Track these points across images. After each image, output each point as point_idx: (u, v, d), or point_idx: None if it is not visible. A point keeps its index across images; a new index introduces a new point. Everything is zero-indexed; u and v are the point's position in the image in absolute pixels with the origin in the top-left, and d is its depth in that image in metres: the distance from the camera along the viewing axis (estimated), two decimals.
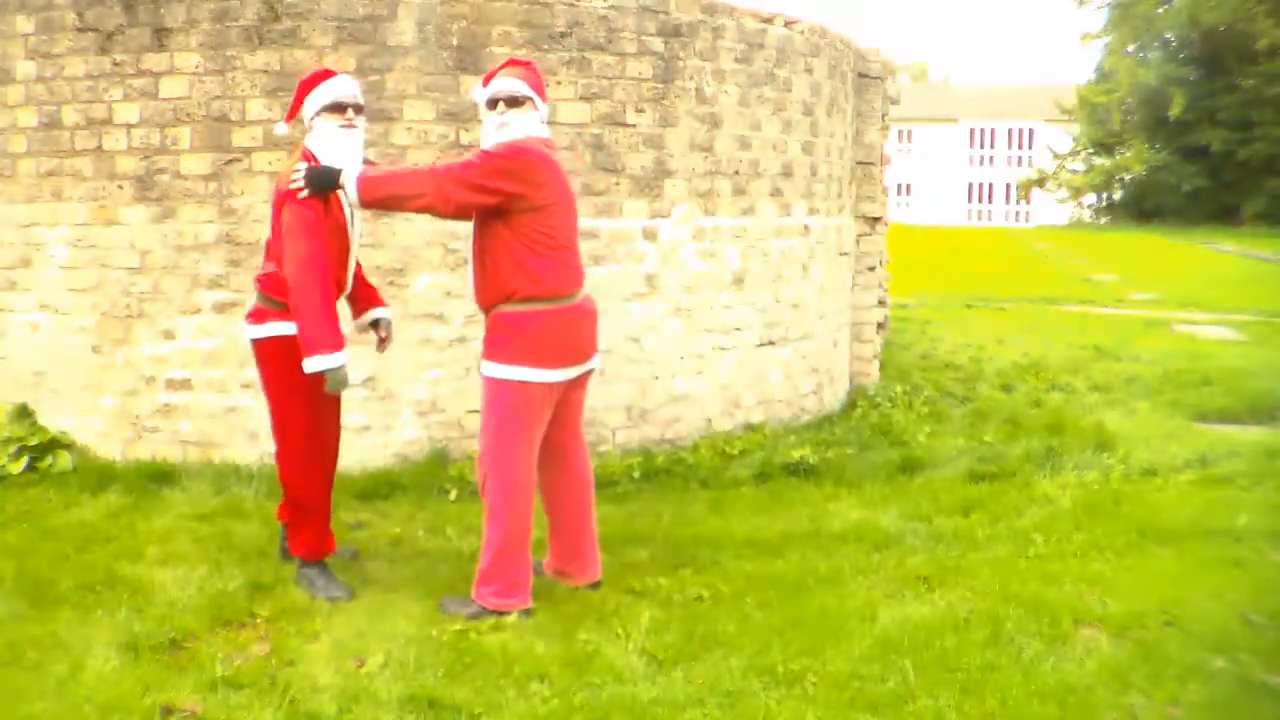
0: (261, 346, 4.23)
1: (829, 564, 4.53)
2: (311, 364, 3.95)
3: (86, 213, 5.93)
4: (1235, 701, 3.40)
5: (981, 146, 52.90)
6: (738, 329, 6.64)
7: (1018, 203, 50.89)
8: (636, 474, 5.84)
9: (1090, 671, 3.52)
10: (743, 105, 6.55)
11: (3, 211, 6.16)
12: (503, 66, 4.11)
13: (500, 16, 5.80)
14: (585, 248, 5.47)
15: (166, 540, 4.72)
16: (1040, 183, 46.86)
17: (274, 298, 4.16)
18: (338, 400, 4.35)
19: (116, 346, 5.93)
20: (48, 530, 4.86)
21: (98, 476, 5.55)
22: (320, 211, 4.00)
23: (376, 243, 5.71)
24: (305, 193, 3.97)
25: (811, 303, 7.19)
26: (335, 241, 4.10)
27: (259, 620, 3.91)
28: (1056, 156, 46.22)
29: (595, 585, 4.28)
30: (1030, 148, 50.98)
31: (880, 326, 8.58)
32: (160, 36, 5.74)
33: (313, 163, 4.06)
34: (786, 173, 6.88)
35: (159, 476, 5.57)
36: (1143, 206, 43.04)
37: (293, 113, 4.21)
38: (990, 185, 52.71)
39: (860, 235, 8.19)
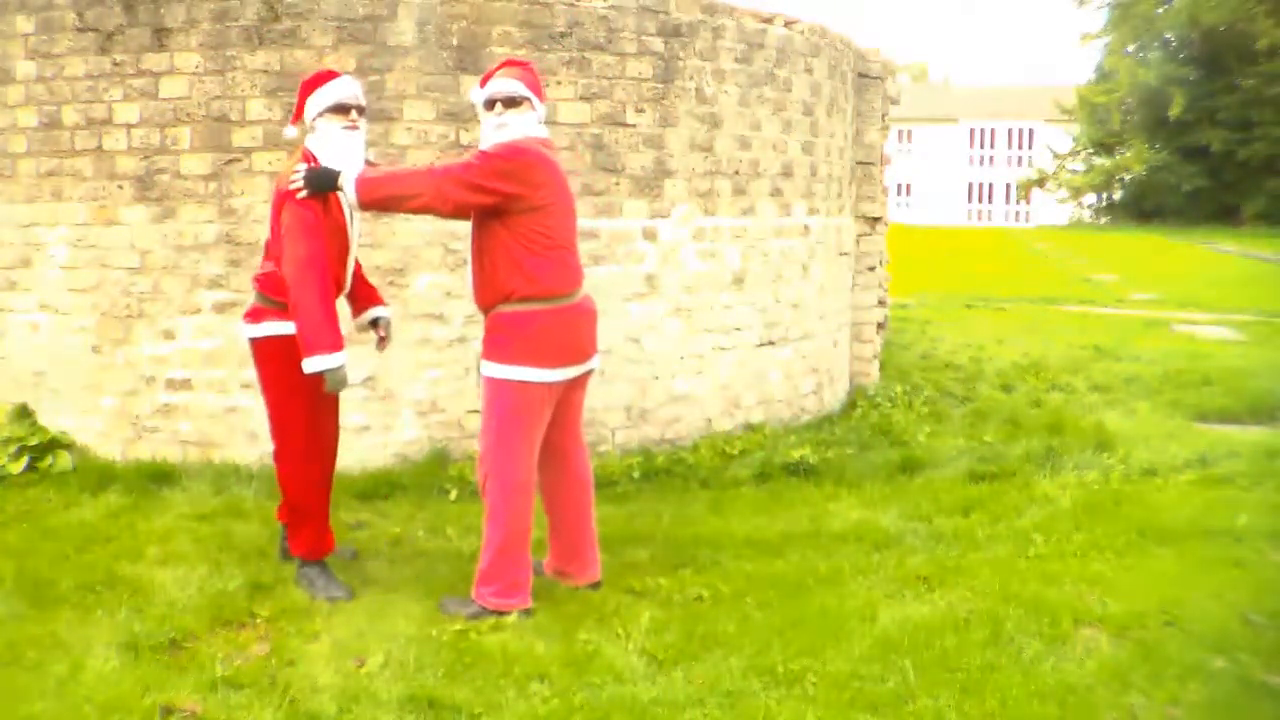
0: (259, 346, 4.23)
1: (829, 564, 4.53)
2: (311, 364, 3.95)
3: (86, 213, 5.93)
4: (1235, 701, 3.40)
5: (981, 146, 52.90)
6: (738, 329, 6.64)
7: (1018, 203, 50.89)
8: (636, 474, 5.84)
9: (1090, 671, 3.52)
10: (743, 105, 6.55)
11: (3, 211, 6.16)
12: (500, 67, 4.11)
13: (500, 16, 5.80)
14: (585, 248, 5.48)
15: (166, 540, 4.72)
16: (1040, 183, 46.86)
17: (271, 297, 4.17)
18: (336, 400, 4.35)
19: (116, 346, 5.93)
20: (48, 530, 4.86)
21: (98, 476, 5.55)
22: (319, 212, 4.01)
23: (376, 243, 5.71)
24: (304, 193, 3.98)
25: (811, 303, 7.19)
26: (334, 242, 4.11)
27: (259, 620, 3.91)
28: (1056, 156, 46.23)
29: (595, 585, 4.28)
30: (1030, 148, 50.97)
31: (880, 326, 8.58)
32: (160, 36, 5.74)
33: (312, 163, 4.07)
34: (786, 173, 6.88)
35: (159, 476, 5.57)
36: (1143, 206, 43.04)
37: (298, 114, 4.21)
38: (990, 185, 52.71)
39: (860, 235, 8.19)
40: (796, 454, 6.14)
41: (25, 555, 4.50)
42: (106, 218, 5.90)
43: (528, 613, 3.98)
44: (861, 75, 8.00)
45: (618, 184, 6.12)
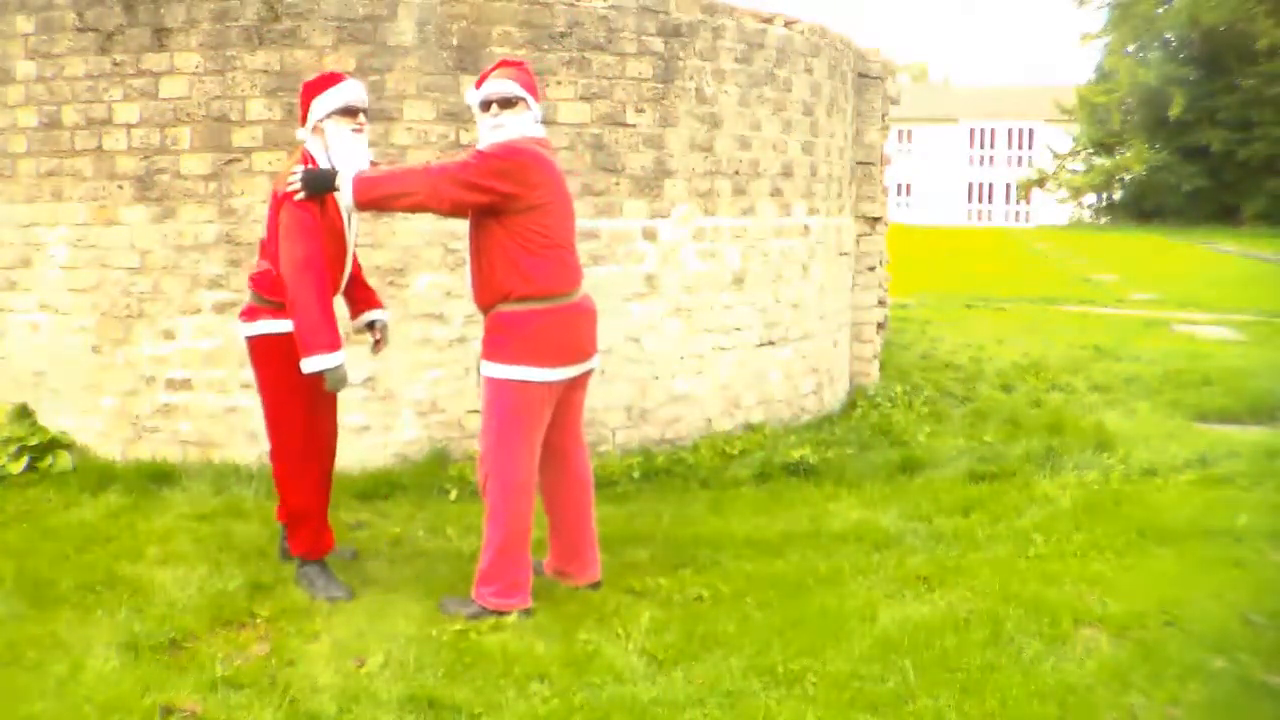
0: (255, 344, 4.24)
1: (829, 564, 4.53)
2: (310, 364, 3.96)
3: (86, 213, 5.93)
4: (1235, 701, 3.39)
5: (981, 146, 52.90)
6: (738, 329, 6.64)
7: (1018, 203, 50.89)
8: (636, 474, 5.84)
9: (1090, 671, 3.52)
10: (743, 105, 6.55)
11: (3, 211, 6.16)
12: (495, 68, 4.11)
13: (500, 16, 5.80)
14: (585, 248, 5.48)
15: (166, 540, 4.72)
16: (1040, 183, 46.86)
17: (266, 296, 4.19)
18: (334, 399, 4.35)
19: (116, 346, 5.93)
20: (48, 530, 4.86)
21: (98, 476, 5.56)
22: (316, 213, 4.03)
23: (376, 243, 5.71)
24: (302, 195, 3.99)
25: (811, 303, 7.19)
26: (331, 243, 4.12)
27: (259, 620, 3.91)
28: (1056, 156, 46.23)
29: (595, 585, 4.28)
30: (1030, 148, 50.98)
31: (880, 326, 8.58)
32: (160, 36, 5.74)
33: (310, 165, 4.08)
34: (786, 173, 6.88)
35: (159, 476, 5.57)
36: (1143, 206, 43.04)
37: (305, 116, 4.22)
38: (990, 185, 52.70)
39: (860, 235, 8.19)
40: (796, 454, 6.14)
41: (25, 555, 4.50)
42: (106, 218, 5.90)
43: (528, 613, 3.98)
44: (861, 75, 8.00)
45: (618, 184, 6.12)
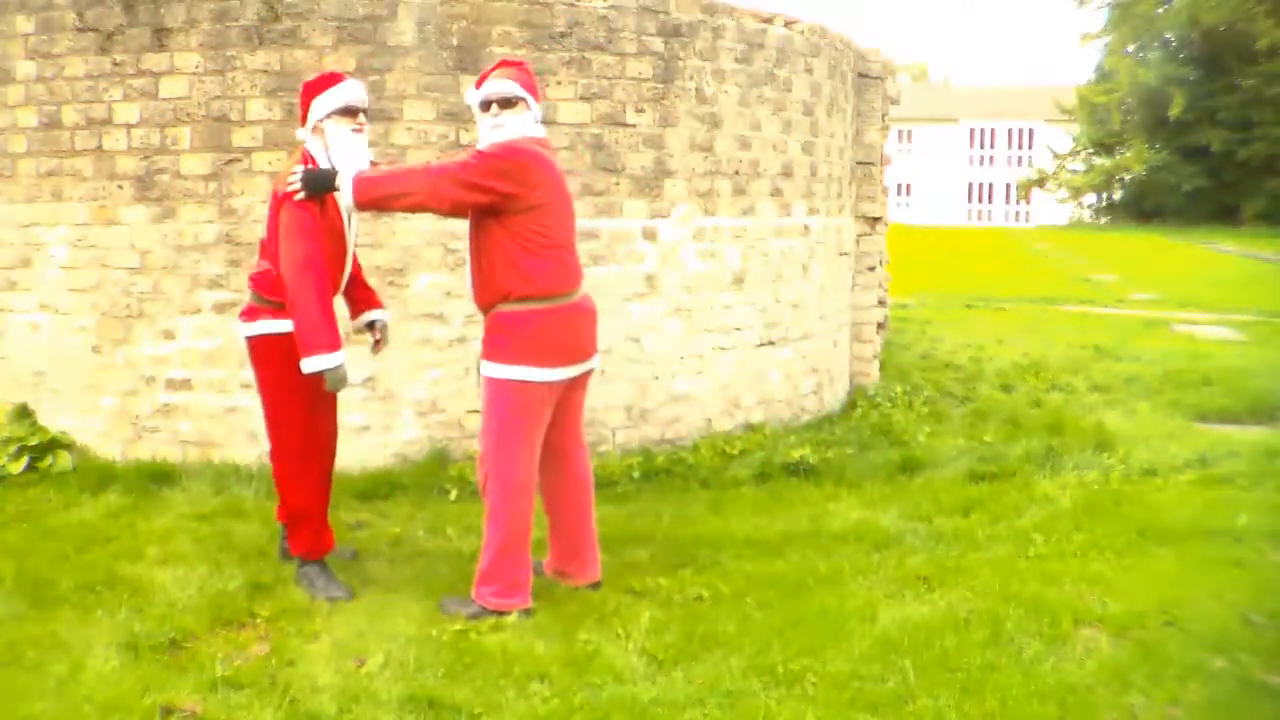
0: (254, 344, 4.25)
1: (829, 564, 4.53)
2: (310, 364, 3.96)
3: (86, 213, 5.93)
4: (1235, 701, 3.39)
5: (981, 146, 52.90)
6: (738, 329, 6.64)
7: (1018, 203, 50.88)
8: (636, 474, 5.84)
9: (1090, 671, 3.52)
10: (743, 105, 6.55)
11: (3, 211, 6.16)
12: (495, 68, 4.11)
13: (500, 16, 5.80)
14: (585, 248, 5.48)
15: (166, 540, 4.72)
16: (1040, 183, 46.86)
17: (265, 296, 4.19)
18: (334, 399, 4.36)
19: (116, 346, 5.93)
20: (48, 530, 4.86)
21: (98, 476, 5.55)
22: (316, 213, 4.04)
23: (376, 243, 5.71)
24: (302, 195, 3.99)
25: (811, 303, 7.19)
26: (331, 243, 4.12)
27: (259, 620, 3.91)
28: (1056, 156, 46.23)
29: (595, 585, 4.28)
30: (1030, 148, 50.98)
31: (880, 326, 8.58)
32: (160, 36, 5.74)
33: (310, 165, 4.09)
34: (786, 173, 6.88)
35: (159, 476, 5.57)
36: (1143, 206, 43.04)
37: (305, 116, 4.22)
38: (990, 185, 52.70)
39: (860, 235, 8.19)
40: (796, 454, 6.14)
41: (25, 555, 4.50)
42: (106, 218, 5.90)
43: (528, 613, 3.98)
44: (861, 75, 8.00)
45: (618, 184, 6.12)
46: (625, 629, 3.82)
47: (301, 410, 4.19)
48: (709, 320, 6.49)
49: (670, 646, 3.69)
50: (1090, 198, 46.90)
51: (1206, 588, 4.27)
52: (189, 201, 5.78)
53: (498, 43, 5.79)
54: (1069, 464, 6.17)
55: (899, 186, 49.58)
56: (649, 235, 6.23)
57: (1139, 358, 10.03)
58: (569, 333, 4.00)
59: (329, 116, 4.13)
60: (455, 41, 5.76)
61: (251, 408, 5.61)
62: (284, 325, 4.08)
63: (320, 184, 4.01)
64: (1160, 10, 39.48)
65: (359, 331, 4.66)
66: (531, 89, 4.06)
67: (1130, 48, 42.23)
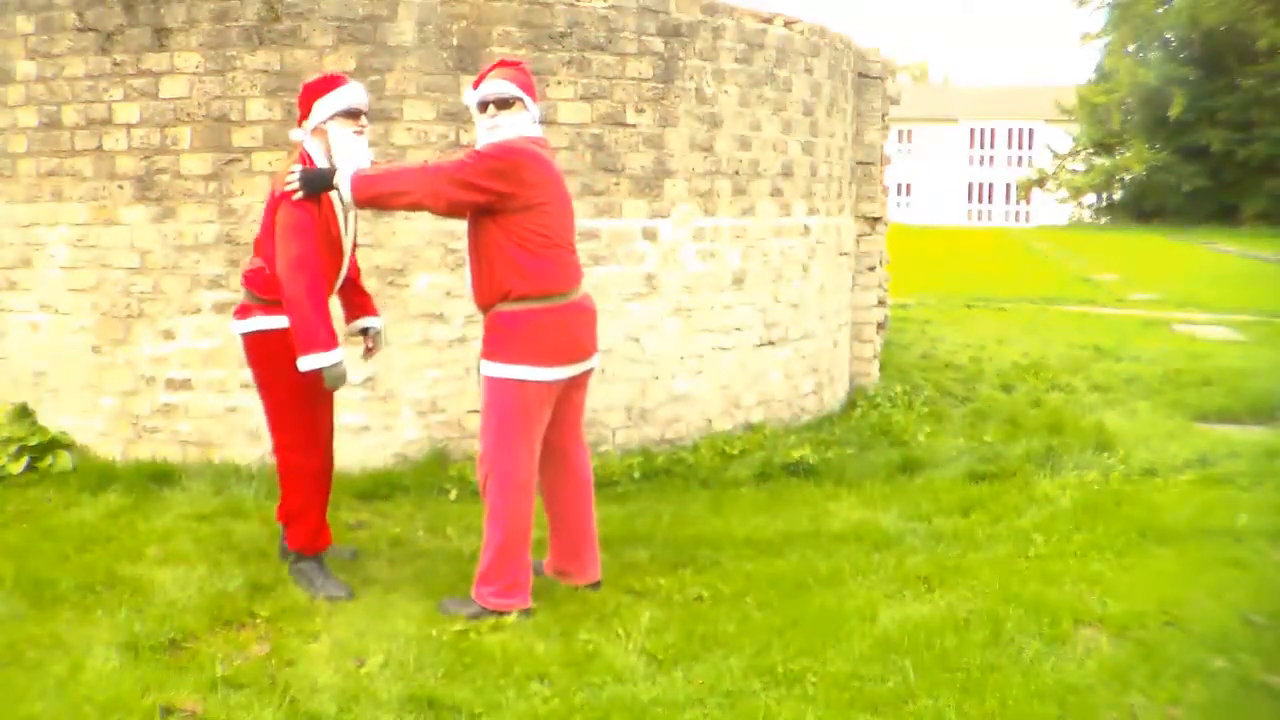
0: (249, 341, 4.27)
1: (829, 564, 4.53)
2: (306, 363, 3.98)
3: (86, 213, 5.93)
4: (1235, 701, 3.40)
5: (981, 146, 52.89)
6: (738, 329, 6.64)
7: (1018, 203, 50.88)
8: (636, 474, 5.85)
9: (1090, 671, 3.52)
10: (743, 105, 6.55)
11: (3, 211, 6.16)
12: (492, 68, 4.12)
13: (500, 16, 5.80)
14: (585, 248, 5.48)
15: (166, 540, 4.72)
16: (1040, 183, 46.86)
17: (258, 294, 4.21)
18: (331, 393, 4.36)
19: (116, 346, 5.93)
20: (48, 530, 4.86)
21: (98, 476, 5.55)
22: (313, 213, 4.05)
23: (376, 243, 5.71)
24: (300, 194, 4.00)
25: (811, 303, 7.19)
26: (327, 243, 4.14)
27: (259, 620, 3.91)
28: (1056, 156, 46.22)
29: (595, 585, 4.28)
30: (1030, 148, 50.97)
31: (880, 326, 8.58)
32: (160, 36, 5.74)
33: (308, 165, 4.10)
34: (786, 173, 6.88)
35: (159, 476, 5.57)
36: (1143, 206, 43.03)
37: (304, 117, 4.23)
38: (990, 185, 52.70)
39: (860, 235, 8.19)
40: (796, 454, 6.14)
41: (25, 555, 4.50)
42: (106, 218, 5.90)
43: (528, 613, 3.98)
44: (861, 75, 8.00)
45: (618, 184, 6.12)
46: (625, 629, 3.82)
47: (300, 405, 4.20)
48: (709, 320, 6.49)
49: (670, 646, 3.69)
50: (1090, 198, 46.90)
51: (1206, 588, 4.27)
52: (189, 201, 5.78)
53: (498, 43, 5.79)
54: (1069, 464, 6.17)
55: (899, 186, 49.57)
56: (649, 235, 6.23)
57: (1139, 358, 10.03)
58: (568, 332, 4.00)
59: (331, 118, 4.14)
60: (455, 41, 5.76)
61: (252, 407, 5.61)
62: (278, 321, 4.10)
63: (318, 183, 4.02)
64: (1160, 10, 39.48)
65: (352, 335, 4.66)
66: (529, 89, 4.06)
67: (1130, 48, 42.21)
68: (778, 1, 7.73)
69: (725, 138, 6.48)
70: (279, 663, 3.57)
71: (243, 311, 4.28)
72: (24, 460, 5.68)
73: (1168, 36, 42.17)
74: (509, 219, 3.89)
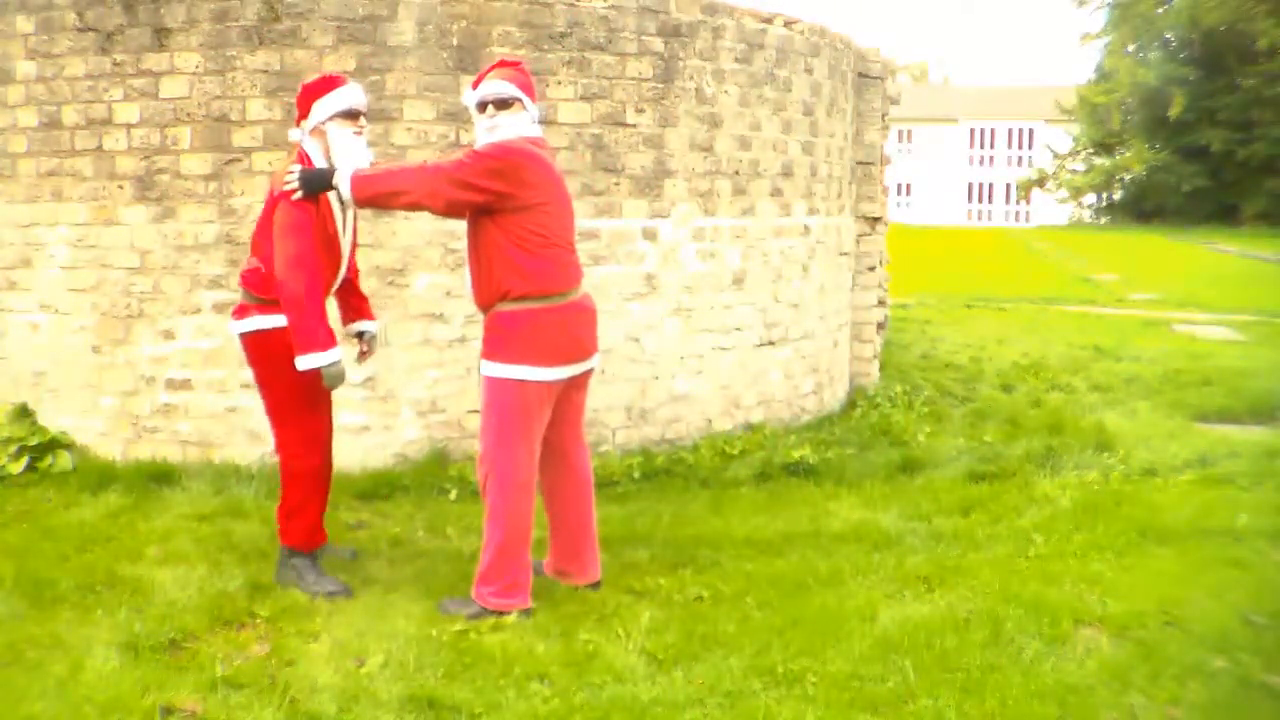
0: (247, 341, 4.28)
1: (829, 564, 4.53)
2: (304, 362, 3.99)
3: (86, 213, 5.93)
4: (1235, 701, 3.40)
5: (981, 146, 52.89)
6: (738, 329, 6.64)
7: (1018, 203, 50.87)
8: (636, 474, 5.85)
9: (1090, 671, 3.52)
10: (743, 105, 6.55)
11: (3, 211, 6.16)
12: (491, 69, 4.12)
13: (500, 16, 5.80)
14: (585, 248, 5.48)
15: (166, 540, 4.72)
16: (1040, 183, 46.86)
17: (255, 293, 4.22)
18: (329, 391, 4.37)
19: (116, 346, 5.93)
20: (48, 530, 4.86)
21: (98, 476, 5.55)
22: (312, 212, 4.06)
23: (376, 243, 5.71)
24: (299, 194, 4.00)
25: (811, 303, 7.19)
26: (325, 243, 4.14)
27: (259, 620, 3.91)
28: (1056, 156, 46.22)
29: (595, 585, 4.28)
30: (1030, 148, 50.97)
31: (880, 326, 8.58)
32: (160, 36, 5.74)
33: (307, 165, 4.11)
34: (786, 173, 6.88)
35: (159, 476, 5.57)
36: (1143, 206, 43.03)
37: (302, 117, 4.23)
38: (990, 185, 52.70)
39: (860, 235, 8.19)
40: (796, 454, 6.14)
41: (25, 555, 4.50)
42: (106, 218, 5.90)
43: (528, 613, 3.98)
44: (861, 75, 8.00)
45: (618, 184, 6.12)
46: (625, 629, 3.82)
47: (300, 403, 4.21)
48: (709, 320, 6.49)
49: (670, 646, 3.69)
50: (1090, 198, 46.90)
51: (1206, 588, 4.27)
52: (189, 201, 5.78)
53: (498, 43, 5.79)
54: (1069, 464, 6.17)
55: (899, 186, 49.58)
56: (649, 235, 6.23)
57: (1139, 358, 10.03)
58: (568, 332, 4.00)
59: (330, 119, 4.15)
60: (455, 41, 5.76)
61: (252, 407, 5.61)
62: (276, 321, 4.11)
63: (317, 183, 4.03)
64: (1160, 10, 39.46)
65: (348, 338, 4.66)
66: (528, 89, 4.06)
67: (1130, 48, 42.19)
68: (778, 1, 7.74)
69: (725, 138, 6.48)
70: (279, 663, 3.57)
71: (240, 312, 4.29)
72: (24, 460, 5.68)
73: (1168, 36, 42.16)
74: (508, 219, 3.90)
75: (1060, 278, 19.62)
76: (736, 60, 6.50)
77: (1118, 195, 45.78)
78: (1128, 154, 42.31)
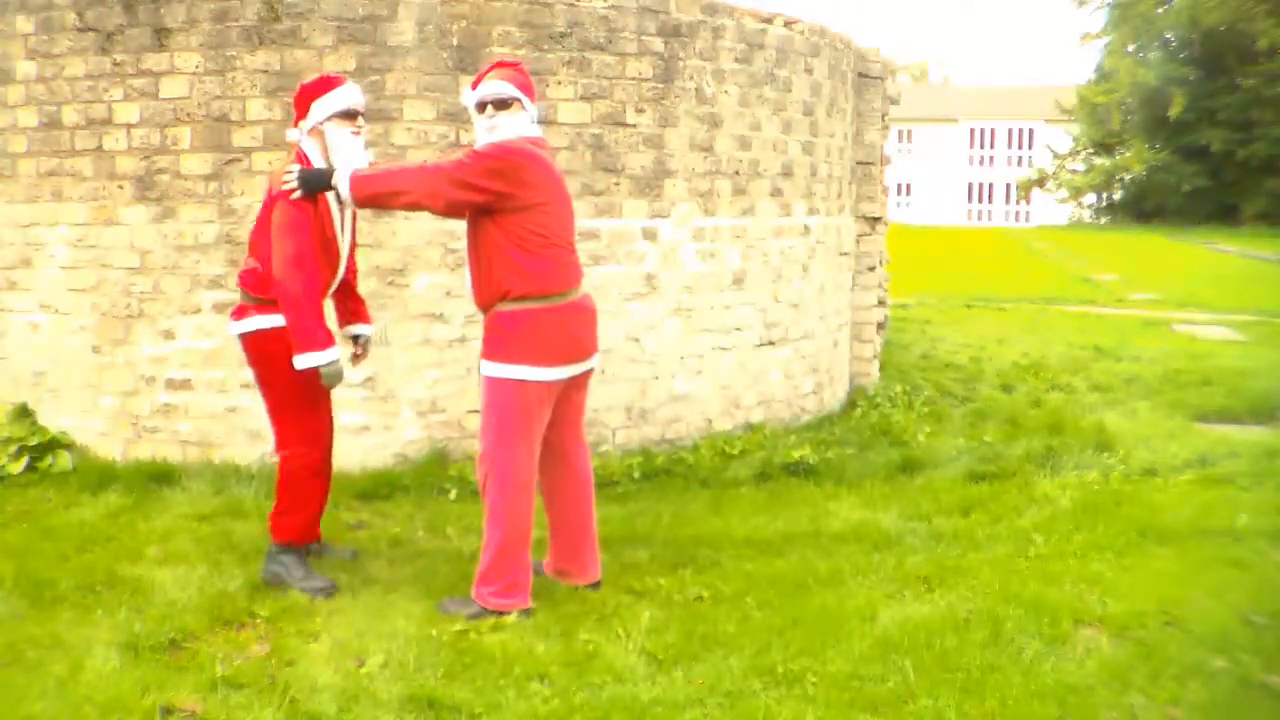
0: (246, 341, 4.28)
1: (829, 564, 4.53)
2: (302, 361, 4.00)
3: (86, 213, 5.93)
4: (1235, 701, 3.40)
5: (981, 146, 52.89)
6: (738, 329, 6.64)
7: (1018, 203, 50.87)
8: (636, 474, 5.85)
9: (1090, 671, 3.52)
10: (743, 105, 6.55)
11: (3, 211, 6.16)
12: (490, 69, 4.12)
13: (500, 16, 5.80)
14: (585, 248, 5.48)
15: (166, 540, 4.72)
16: (1040, 183, 46.85)
17: (253, 294, 4.22)
18: (329, 390, 4.37)
19: (116, 346, 5.93)
20: (48, 530, 4.86)
21: (98, 476, 5.55)
22: (310, 212, 4.06)
23: (376, 243, 5.71)
24: (298, 194, 4.01)
25: (811, 303, 7.19)
26: (323, 243, 4.14)
27: (259, 620, 3.91)
28: (1056, 156, 46.22)
29: (595, 585, 4.28)
30: (1030, 148, 50.97)
31: (880, 326, 8.58)
32: (160, 36, 5.74)
33: (305, 165, 4.11)
34: (786, 173, 6.88)
35: (159, 476, 5.57)
36: (1143, 206, 43.03)
37: (300, 117, 4.24)
38: (990, 185, 52.69)
39: (860, 235, 8.19)
40: (796, 454, 6.14)
41: (25, 555, 4.50)
42: (106, 218, 5.90)
43: (528, 613, 3.98)
44: (861, 75, 8.00)
45: (618, 184, 6.12)
46: (625, 629, 3.82)
47: (300, 402, 4.22)
48: (709, 320, 6.49)
49: (670, 646, 3.69)
50: (1090, 198, 46.89)
51: (1206, 588, 4.27)
52: (189, 201, 5.78)
53: (498, 43, 5.80)
54: (1069, 464, 6.17)
55: (899, 186, 49.58)
56: (649, 235, 6.23)
57: (1139, 358, 10.03)
58: (568, 332, 4.01)
59: (328, 119, 4.15)
60: (455, 41, 5.76)
61: (252, 407, 5.62)
62: (274, 320, 4.12)
63: (316, 183, 4.03)
64: (1160, 10, 39.46)
65: (344, 340, 4.66)
66: (527, 89, 4.06)
67: (1130, 48, 42.18)
68: (778, 2, 7.74)
69: (725, 138, 6.48)
70: (279, 663, 3.57)
71: (239, 312, 4.29)
72: (24, 460, 5.68)
73: (1168, 36, 42.15)
74: (508, 219, 3.90)
75: (1060, 278, 19.62)
76: (736, 60, 6.50)
77: (1118, 195, 45.78)
78: (1128, 154, 42.31)
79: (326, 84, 4.23)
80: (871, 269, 8.23)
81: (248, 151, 5.73)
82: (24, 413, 6.00)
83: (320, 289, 4.15)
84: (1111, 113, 42.43)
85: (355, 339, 4.63)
